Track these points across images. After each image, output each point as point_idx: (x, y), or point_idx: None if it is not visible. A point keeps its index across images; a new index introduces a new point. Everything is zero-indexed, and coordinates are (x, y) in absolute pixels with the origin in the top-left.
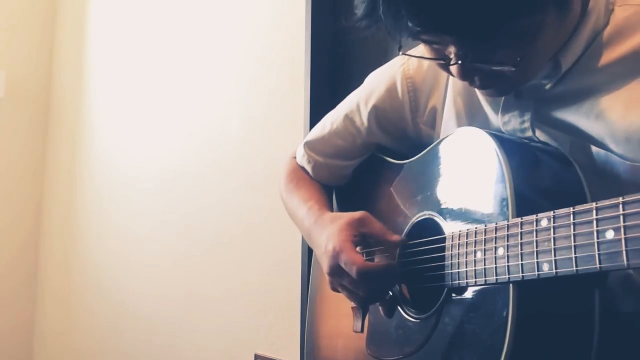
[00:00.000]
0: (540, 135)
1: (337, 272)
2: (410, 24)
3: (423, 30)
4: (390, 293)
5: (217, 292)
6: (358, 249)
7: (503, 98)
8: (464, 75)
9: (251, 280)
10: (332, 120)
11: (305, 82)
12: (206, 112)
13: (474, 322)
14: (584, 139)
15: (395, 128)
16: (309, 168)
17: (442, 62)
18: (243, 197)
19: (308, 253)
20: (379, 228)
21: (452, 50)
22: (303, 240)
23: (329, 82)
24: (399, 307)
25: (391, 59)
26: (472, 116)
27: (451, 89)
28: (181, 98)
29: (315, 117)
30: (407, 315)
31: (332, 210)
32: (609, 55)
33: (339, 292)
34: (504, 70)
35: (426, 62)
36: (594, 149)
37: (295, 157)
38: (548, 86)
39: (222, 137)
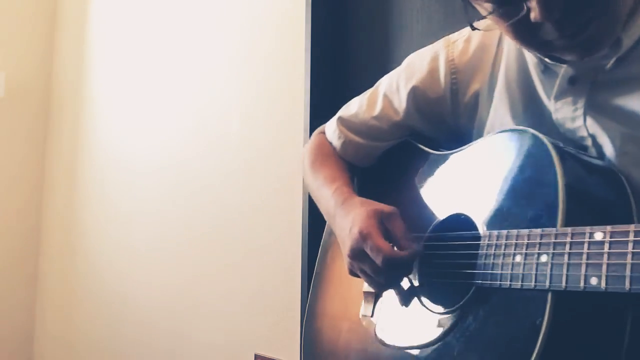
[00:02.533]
0: (590, 125)
1: (359, 256)
2: None
3: None
4: (409, 283)
5: (217, 292)
6: None
7: (557, 84)
8: (549, 8)
9: (251, 280)
10: (368, 98)
11: (305, 82)
12: (206, 112)
13: (501, 324)
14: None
15: (433, 111)
16: (337, 144)
17: (515, 18)
18: (243, 197)
19: (308, 253)
20: (402, 230)
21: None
22: (303, 240)
23: (329, 83)
24: (417, 297)
25: (391, 58)
26: (526, 103)
27: (504, 74)
28: (181, 98)
29: (315, 117)
30: (425, 306)
31: (358, 194)
32: None
33: (357, 276)
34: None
35: (472, 46)
36: None
37: (322, 133)
38: (608, 65)
39: (222, 137)
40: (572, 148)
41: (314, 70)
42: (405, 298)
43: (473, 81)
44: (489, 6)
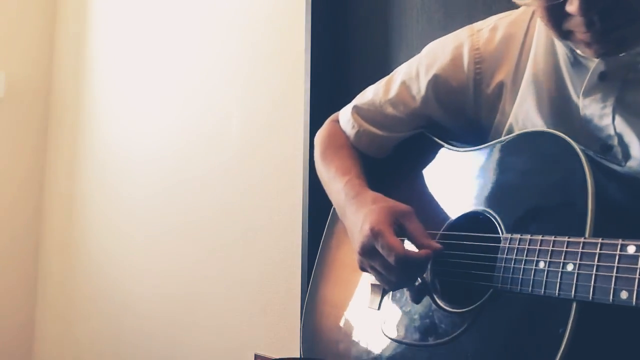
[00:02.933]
0: (619, 123)
1: (369, 253)
2: None
3: None
4: (420, 280)
5: (217, 292)
6: None
7: (587, 79)
8: (588, 6)
9: (251, 280)
10: (384, 85)
11: (305, 82)
12: (206, 111)
13: (519, 330)
14: None
15: (453, 101)
16: (351, 133)
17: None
18: (243, 197)
19: (308, 253)
20: (418, 228)
21: None
22: (303, 240)
23: (329, 83)
24: (429, 295)
25: (391, 58)
26: (554, 98)
27: (531, 65)
28: (181, 98)
29: (315, 117)
30: (437, 305)
31: (370, 186)
32: None
33: (366, 271)
34: None
35: (498, 35)
36: None
37: (335, 121)
38: None
39: (222, 137)
40: (600, 156)
41: (314, 70)
42: (417, 294)
43: (498, 72)
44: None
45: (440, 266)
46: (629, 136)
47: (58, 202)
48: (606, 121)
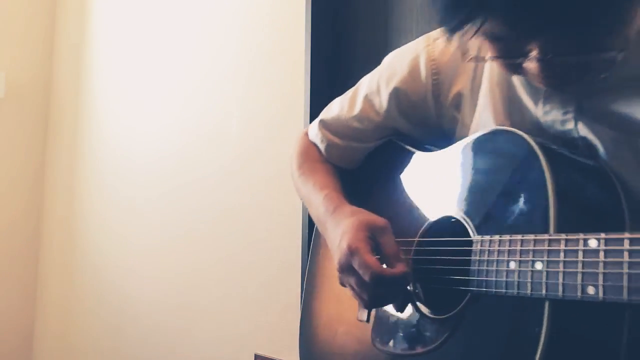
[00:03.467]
0: (582, 128)
1: (346, 271)
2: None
3: (508, 30)
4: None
5: (217, 292)
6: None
7: (544, 89)
8: (549, 72)
9: (251, 280)
10: (349, 100)
11: (305, 81)
12: (206, 112)
13: (499, 332)
14: (633, 132)
15: (416, 112)
16: (321, 147)
17: (512, 60)
18: (243, 198)
19: (309, 253)
20: (393, 246)
21: (531, 45)
22: (303, 240)
23: (329, 81)
24: (412, 303)
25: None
26: (509, 107)
27: (487, 77)
28: (181, 98)
29: (315, 117)
30: (421, 313)
31: (347, 198)
32: None
33: (346, 287)
34: (607, 57)
35: (453, 45)
36: None
37: (307, 134)
38: (604, 75)
39: (222, 138)
40: (560, 147)
41: (314, 70)
42: (401, 304)
43: (455, 82)
44: (488, 45)
45: (421, 273)
46: (594, 140)
47: (58, 201)
48: (569, 126)
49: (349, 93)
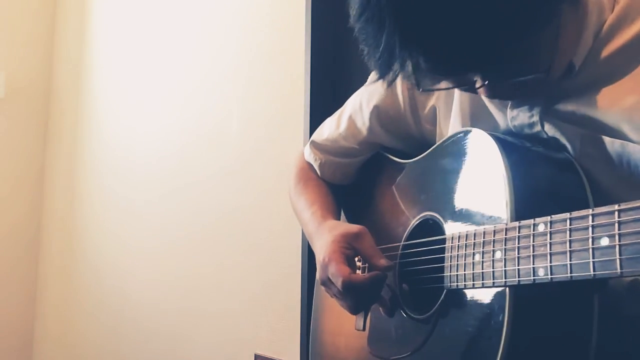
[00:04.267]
0: (549, 129)
1: (326, 282)
2: (428, 71)
3: (445, 74)
4: (391, 292)
5: (217, 292)
6: (357, 260)
7: None
8: (493, 93)
9: (251, 280)
10: (336, 121)
11: (305, 81)
12: (206, 112)
13: (470, 325)
14: (598, 131)
15: (398, 127)
16: (316, 166)
17: (465, 87)
18: (243, 198)
19: (308, 253)
20: (369, 248)
21: (475, 76)
22: (303, 240)
23: (329, 82)
24: (400, 307)
25: None
26: (476, 117)
27: (458, 93)
28: (182, 99)
29: (315, 116)
30: (406, 315)
31: (337, 215)
32: (618, 41)
33: (333, 298)
34: (536, 79)
35: (397, 90)
36: (607, 140)
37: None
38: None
39: (222, 138)
40: (521, 140)
41: (314, 70)
42: (389, 309)
43: (430, 97)
44: (441, 81)
45: (406, 276)
46: (562, 139)
47: (58, 201)
48: (536, 128)
49: (336, 114)
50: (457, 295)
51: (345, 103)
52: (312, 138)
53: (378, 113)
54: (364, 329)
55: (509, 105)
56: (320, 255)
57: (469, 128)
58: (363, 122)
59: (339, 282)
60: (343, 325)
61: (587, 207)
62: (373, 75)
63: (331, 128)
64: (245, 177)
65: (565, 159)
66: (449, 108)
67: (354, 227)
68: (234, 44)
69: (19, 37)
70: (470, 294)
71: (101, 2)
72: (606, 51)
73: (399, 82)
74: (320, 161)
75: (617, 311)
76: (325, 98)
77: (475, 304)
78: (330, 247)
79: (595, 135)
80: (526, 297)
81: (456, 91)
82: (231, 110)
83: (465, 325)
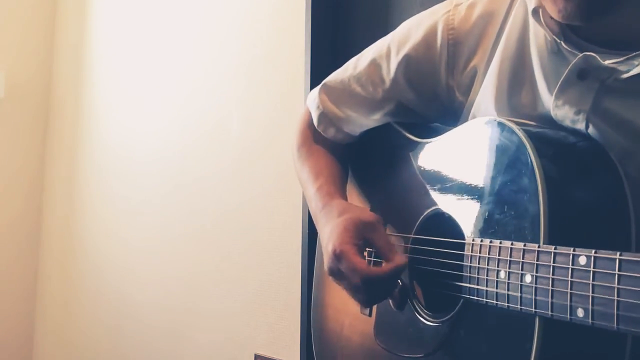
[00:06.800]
0: (592, 132)
1: (336, 274)
2: None
3: None
4: (401, 283)
5: (217, 292)
6: (365, 254)
7: (564, 75)
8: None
9: (251, 280)
10: (356, 62)
11: (305, 82)
12: (206, 113)
13: (491, 345)
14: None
15: (425, 84)
16: (314, 114)
17: None
18: (243, 197)
19: (309, 253)
20: (385, 242)
21: None
22: (303, 240)
23: None
24: (410, 302)
25: None
26: (516, 89)
27: (501, 50)
28: (182, 99)
29: None
30: (419, 314)
31: (345, 190)
32: None
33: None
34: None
35: (475, 13)
36: None
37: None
38: (625, 75)
39: (222, 138)
40: (560, 136)
41: (314, 70)
42: (399, 301)
43: (473, 55)
44: None
45: (418, 271)
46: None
47: (58, 201)
48: (579, 126)
49: (356, 57)
50: (476, 308)
51: (369, 47)
52: (324, 81)
53: (407, 63)
54: (370, 315)
55: (557, 89)
56: (329, 243)
57: (501, 119)
58: (388, 71)
59: (356, 277)
60: (347, 304)
61: (628, 225)
62: (405, 22)
63: (347, 69)
64: (245, 177)
65: (606, 160)
66: (486, 70)
67: (368, 215)
68: (234, 44)
69: (19, 37)
70: (492, 309)
71: (101, 2)
72: None
73: (439, 31)
74: (323, 110)
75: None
76: None
77: (498, 322)
78: (342, 237)
79: (637, 150)
80: (557, 329)
81: (499, 51)
82: (231, 110)
83: (484, 342)
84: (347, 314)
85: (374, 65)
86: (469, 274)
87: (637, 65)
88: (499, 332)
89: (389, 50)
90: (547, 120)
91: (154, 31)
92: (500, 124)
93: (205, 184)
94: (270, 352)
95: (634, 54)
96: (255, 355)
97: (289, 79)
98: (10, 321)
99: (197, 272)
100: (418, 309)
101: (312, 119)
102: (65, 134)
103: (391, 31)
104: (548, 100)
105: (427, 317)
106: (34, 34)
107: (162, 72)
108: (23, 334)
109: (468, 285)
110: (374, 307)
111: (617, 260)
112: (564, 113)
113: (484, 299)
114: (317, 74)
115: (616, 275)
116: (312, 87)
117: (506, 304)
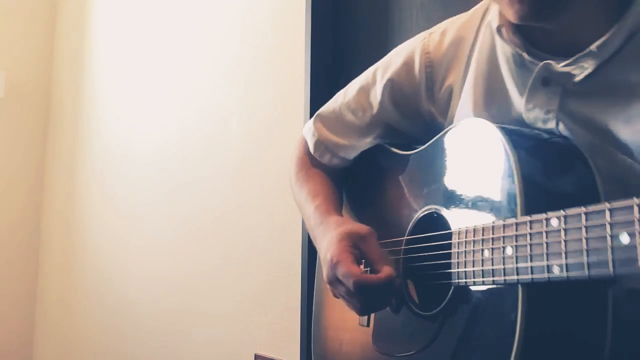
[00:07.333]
0: (563, 130)
1: (334, 282)
2: None
3: None
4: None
5: (217, 292)
6: (361, 266)
7: (530, 83)
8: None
9: (251, 279)
10: (345, 92)
11: (305, 81)
12: (206, 113)
13: (481, 323)
14: (608, 142)
15: (409, 105)
16: (310, 142)
17: None
18: (243, 198)
19: (309, 253)
20: (375, 252)
21: None
22: (303, 240)
23: (329, 82)
24: (405, 304)
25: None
26: (491, 99)
27: (474, 68)
28: (181, 99)
29: None
30: (413, 312)
31: (341, 209)
32: None
33: (338, 298)
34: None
35: (447, 39)
36: (619, 155)
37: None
38: (577, 78)
39: (222, 138)
40: (531, 131)
41: (314, 69)
42: (395, 305)
43: (448, 75)
44: None
45: (411, 272)
46: (573, 142)
47: (58, 201)
48: (550, 125)
49: (345, 88)
50: (466, 291)
51: (354, 79)
52: (318, 111)
53: (392, 86)
54: (368, 325)
55: (526, 94)
56: (327, 254)
57: (476, 118)
58: (375, 96)
59: (350, 283)
60: (346, 321)
61: (598, 199)
62: (392, 51)
63: (337, 100)
64: (245, 177)
65: (572, 147)
66: (461, 88)
67: (361, 228)
68: (234, 44)
69: (19, 37)
70: (479, 290)
71: (101, 2)
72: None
73: (417, 56)
74: (319, 137)
75: (616, 316)
76: (325, 98)
77: (485, 301)
78: (338, 247)
79: (607, 147)
80: (539, 293)
81: (472, 70)
82: (231, 110)
83: (475, 323)
84: (346, 330)
85: (362, 91)
86: (457, 260)
87: (586, 69)
88: (487, 311)
89: (374, 77)
90: (521, 124)
91: (154, 31)
92: (477, 123)
93: (205, 184)
94: (270, 352)
95: (579, 55)
96: (255, 355)
97: (289, 79)
98: (10, 321)
99: (197, 272)
100: (414, 309)
101: (308, 147)
102: (65, 134)
103: (390, 32)
104: (520, 105)
105: (422, 313)
106: (34, 34)
107: (162, 72)
108: (23, 334)
109: (457, 270)
110: (372, 317)
111: (583, 214)
112: (535, 115)
113: (472, 280)
114: (317, 74)
115: (583, 228)
116: (312, 87)
117: (491, 279)
